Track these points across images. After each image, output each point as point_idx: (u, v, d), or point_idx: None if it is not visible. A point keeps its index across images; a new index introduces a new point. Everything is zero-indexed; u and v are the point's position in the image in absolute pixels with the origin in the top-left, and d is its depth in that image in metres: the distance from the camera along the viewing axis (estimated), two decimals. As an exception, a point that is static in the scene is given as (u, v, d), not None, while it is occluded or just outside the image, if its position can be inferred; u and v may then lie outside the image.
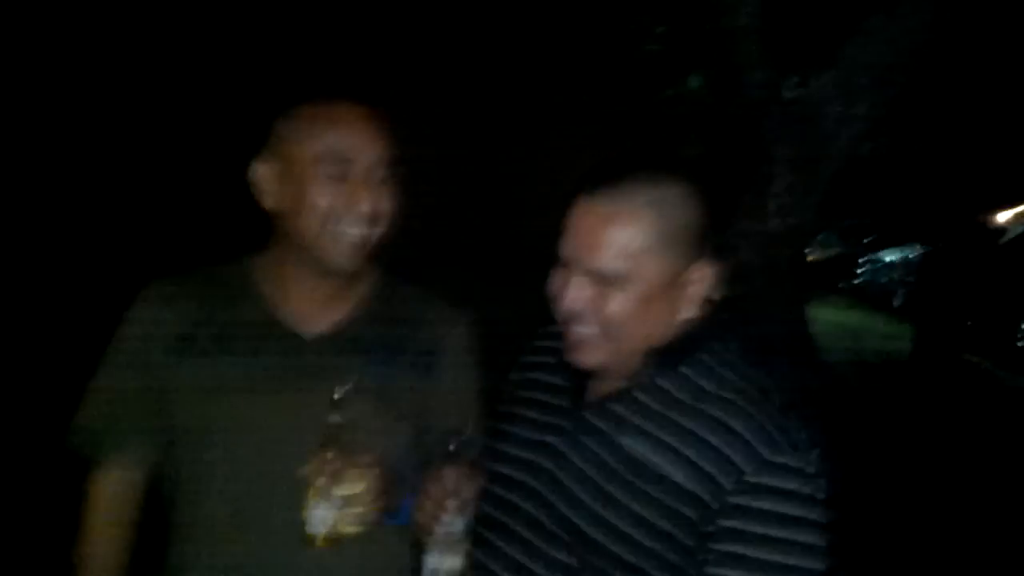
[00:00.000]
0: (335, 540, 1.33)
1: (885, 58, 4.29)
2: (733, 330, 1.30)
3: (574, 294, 1.23)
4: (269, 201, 1.45)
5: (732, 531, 1.13)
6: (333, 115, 1.41)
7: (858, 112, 4.36)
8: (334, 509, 1.31)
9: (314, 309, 1.49)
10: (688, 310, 1.24)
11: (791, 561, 1.11)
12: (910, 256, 14.97)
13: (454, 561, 1.31)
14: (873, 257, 17.27)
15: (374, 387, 1.45)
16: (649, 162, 1.27)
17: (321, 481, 1.30)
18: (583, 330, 1.24)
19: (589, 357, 1.26)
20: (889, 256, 16.53)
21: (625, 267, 1.19)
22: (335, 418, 1.33)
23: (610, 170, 1.23)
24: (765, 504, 1.12)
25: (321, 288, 1.49)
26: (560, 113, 6.45)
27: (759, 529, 1.12)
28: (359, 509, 1.33)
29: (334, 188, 1.39)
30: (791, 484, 1.13)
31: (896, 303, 15.43)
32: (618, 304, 1.20)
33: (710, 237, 1.24)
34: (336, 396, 1.33)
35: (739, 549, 1.12)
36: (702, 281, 1.24)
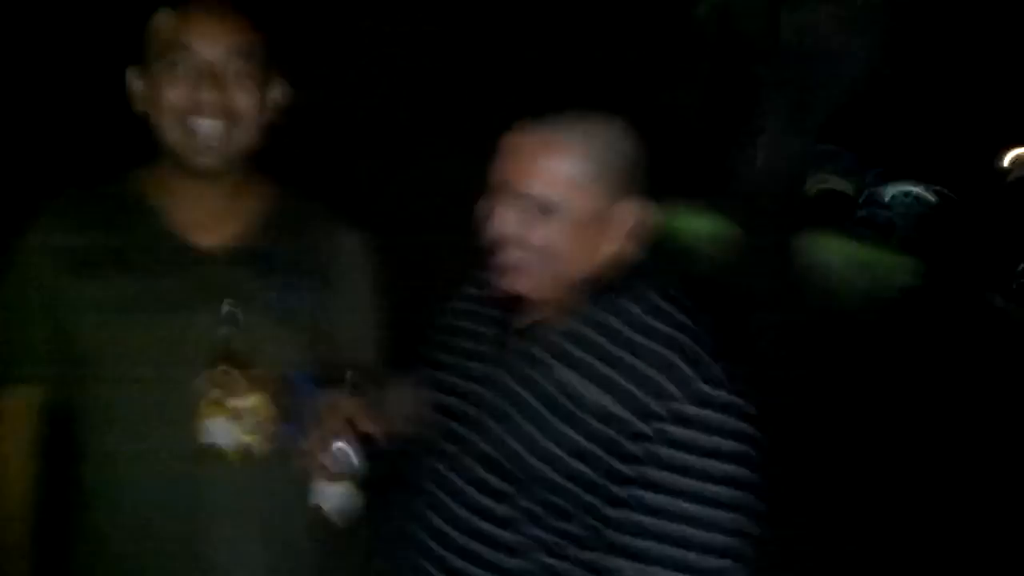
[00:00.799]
0: (245, 455, 1.34)
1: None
2: (673, 269, 1.33)
3: (503, 219, 1.24)
4: (138, 105, 1.42)
5: (655, 457, 1.14)
6: (184, 11, 1.39)
7: (857, 48, 4.29)
8: (231, 421, 1.33)
9: (207, 221, 1.46)
10: (614, 244, 1.24)
11: (709, 490, 1.13)
12: (913, 191, 14.92)
13: (342, 492, 1.32)
14: (875, 191, 17.23)
15: (269, 299, 1.45)
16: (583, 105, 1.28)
17: (215, 393, 1.31)
18: (511, 255, 1.25)
19: (516, 282, 1.27)
20: (891, 191, 16.50)
21: (555, 196, 1.20)
22: (224, 331, 1.34)
23: (545, 116, 1.24)
24: (691, 433, 1.14)
25: (209, 198, 1.46)
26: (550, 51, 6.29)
27: (681, 456, 1.14)
28: (255, 419, 1.34)
29: (180, 82, 1.36)
30: (721, 417, 1.15)
31: (897, 236, 15.47)
32: (546, 232, 1.22)
33: (640, 177, 1.25)
34: (224, 310, 1.34)
35: (660, 475, 1.14)
36: (630, 218, 1.24)
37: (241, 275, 1.44)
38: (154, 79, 1.37)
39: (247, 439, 1.34)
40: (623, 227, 1.24)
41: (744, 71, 4.57)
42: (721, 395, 1.16)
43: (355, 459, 1.30)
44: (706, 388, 1.15)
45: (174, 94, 1.35)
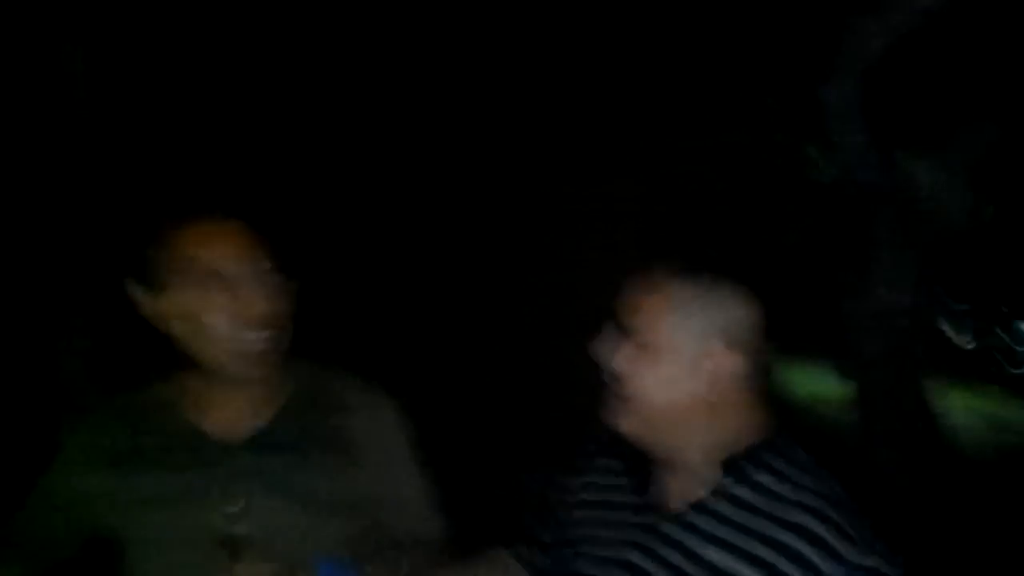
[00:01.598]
0: None
1: (990, 134, 4.19)
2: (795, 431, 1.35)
3: (615, 352, 1.35)
4: (169, 330, 1.48)
5: None
6: (205, 236, 1.45)
7: (965, 194, 4.26)
8: None
9: (238, 417, 1.52)
10: (712, 392, 1.29)
11: None
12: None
13: None
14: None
15: (289, 484, 1.47)
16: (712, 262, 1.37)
17: None
18: (618, 392, 1.34)
19: (620, 421, 1.35)
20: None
21: (660, 339, 1.30)
22: (240, 529, 1.36)
23: (681, 257, 1.36)
24: None
25: (240, 396, 1.52)
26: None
27: None
28: None
29: (220, 304, 1.43)
30: None
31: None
32: (637, 370, 1.31)
33: (756, 342, 1.31)
34: (231, 509, 1.36)
35: None
36: (722, 365, 1.29)
37: (262, 463, 1.49)
38: (184, 306, 1.44)
39: None
40: (717, 374, 1.30)
41: (858, 220, 4.56)
42: (865, 561, 1.16)
43: None
44: (857, 558, 1.16)
45: (214, 318, 1.43)
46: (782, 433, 1.33)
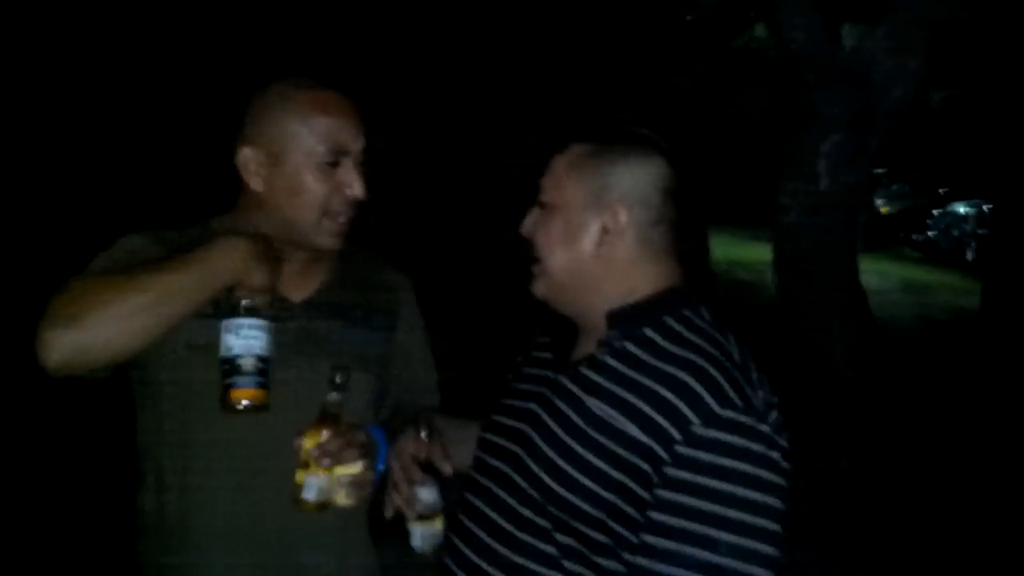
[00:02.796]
0: (325, 506, 1.40)
1: (938, 11, 4.17)
2: (706, 296, 1.37)
3: (527, 220, 1.41)
4: (257, 184, 1.47)
5: (678, 481, 1.17)
6: (326, 106, 1.46)
7: (911, 67, 4.27)
8: (332, 484, 1.37)
9: (294, 277, 1.54)
10: (604, 248, 1.33)
11: (732, 514, 1.14)
12: (984, 209, 14.54)
13: (431, 530, 1.40)
14: (946, 210, 16.85)
15: (358, 351, 1.53)
16: (626, 128, 1.42)
17: (324, 461, 1.36)
18: (532, 257, 1.40)
19: (535, 286, 1.40)
20: (962, 209, 16.10)
21: (557, 198, 1.36)
22: (334, 396, 1.39)
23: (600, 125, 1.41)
24: (711, 457, 1.16)
25: (300, 258, 1.54)
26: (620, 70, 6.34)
27: (703, 481, 1.15)
28: (357, 487, 1.40)
29: (329, 177, 1.45)
30: (740, 440, 1.17)
31: (969, 257, 15.07)
32: (543, 227, 1.37)
33: (650, 194, 1.34)
34: (337, 379, 1.38)
35: (682, 499, 1.16)
36: (615, 221, 1.33)
37: (331, 327, 1.53)
38: (289, 166, 1.44)
39: (344, 502, 1.40)
40: (614, 235, 1.33)
41: (800, 96, 4.56)
42: (742, 419, 1.18)
43: (438, 499, 1.39)
44: (723, 412, 1.18)
45: (320, 187, 1.44)
46: (684, 291, 1.36)
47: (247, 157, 1.47)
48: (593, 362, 1.31)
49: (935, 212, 17.17)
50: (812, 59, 4.37)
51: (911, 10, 4.25)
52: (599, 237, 1.32)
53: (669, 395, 1.20)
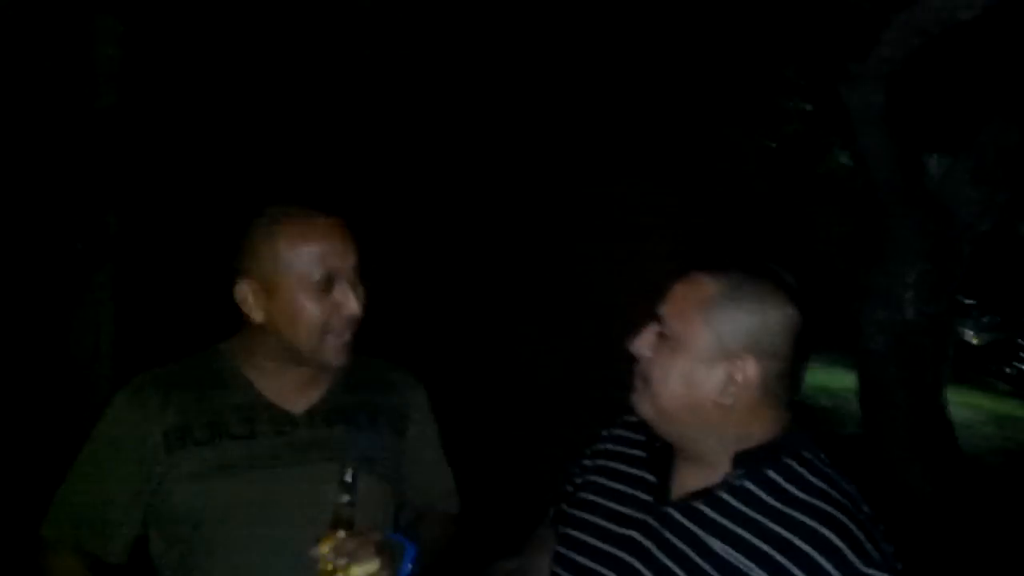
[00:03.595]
0: None
1: (1009, 143, 4.18)
2: (819, 444, 1.33)
3: (641, 337, 1.34)
4: (258, 316, 1.50)
5: None
6: (313, 232, 1.49)
7: (998, 199, 4.26)
8: None
9: (298, 390, 1.56)
10: (727, 397, 1.27)
11: None
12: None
13: None
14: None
15: (366, 457, 1.49)
16: (757, 263, 1.35)
17: (340, 562, 1.34)
18: (640, 374, 1.34)
19: (638, 403, 1.34)
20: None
21: (687, 333, 1.28)
22: (346, 498, 1.37)
23: (723, 255, 1.35)
24: None
25: (305, 373, 1.56)
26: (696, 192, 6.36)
27: None
28: None
29: (324, 300, 1.47)
30: None
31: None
32: (659, 360, 1.30)
33: (777, 342, 1.27)
34: (347, 478, 1.37)
35: None
36: (743, 371, 1.27)
37: (336, 434, 1.54)
38: (285, 296, 1.48)
39: None
40: (739, 383, 1.28)
41: (883, 224, 4.56)
42: (878, 573, 1.15)
43: None
44: (867, 569, 1.15)
45: (317, 313, 1.47)
46: (801, 434, 1.32)
47: (244, 291, 1.51)
48: (710, 498, 1.28)
49: (1025, 345, 16.62)
50: (895, 190, 4.38)
51: (995, 141, 4.26)
52: (723, 387, 1.26)
53: (806, 547, 1.17)
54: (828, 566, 1.15)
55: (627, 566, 1.31)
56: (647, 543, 1.30)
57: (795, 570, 1.16)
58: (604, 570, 1.35)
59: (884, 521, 1.25)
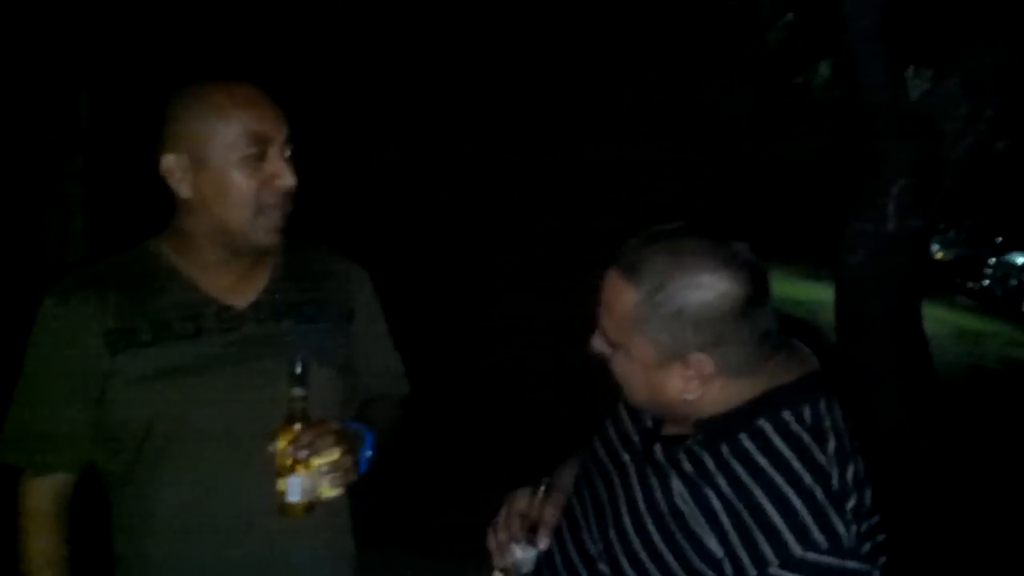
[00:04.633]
0: (312, 505, 1.38)
1: (1013, 61, 4.17)
2: (811, 394, 1.26)
3: (594, 343, 1.31)
4: (186, 191, 1.43)
5: None
6: (240, 98, 1.41)
7: (984, 115, 4.26)
8: (315, 478, 1.35)
9: (238, 283, 1.51)
10: (693, 392, 1.24)
11: None
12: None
13: None
14: (1002, 259, 16.60)
15: (316, 348, 1.48)
16: (675, 240, 1.24)
17: (301, 453, 1.33)
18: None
19: (625, 396, 1.35)
20: (1019, 259, 15.85)
21: (620, 339, 1.25)
22: (298, 391, 1.36)
23: (639, 243, 1.26)
24: None
25: (242, 262, 1.50)
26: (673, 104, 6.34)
27: None
28: (339, 473, 1.38)
29: (255, 172, 1.40)
30: (838, 562, 1.10)
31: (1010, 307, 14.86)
32: (617, 366, 1.29)
33: (729, 325, 1.20)
34: (297, 371, 1.35)
35: None
36: (699, 370, 1.22)
37: (283, 327, 1.51)
38: (214, 167, 1.40)
39: (330, 493, 1.39)
40: (694, 380, 1.24)
41: (868, 140, 4.57)
42: (824, 561, 1.11)
43: (528, 561, 1.39)
44: (805, 554, 1.10)
45: (248, 184, 1.40)
46: (786, 390, 1.25)
47: (170, 164, 1.43)
48: (686, 447, 1.26)
49: (991, 261, 16.93)
50: (883, 105, 4.38)
51: (988, 59, 4.24)
52: (684, 384, 1.23)
53: (750, 522, 1.15)
54: (765, 547, 1.12)
55: (610, 483, 1.35)
56: (631, 468, 1.33)
57: (735, 541, 1.14)
58: (586, 490, 1.40)
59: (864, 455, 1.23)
